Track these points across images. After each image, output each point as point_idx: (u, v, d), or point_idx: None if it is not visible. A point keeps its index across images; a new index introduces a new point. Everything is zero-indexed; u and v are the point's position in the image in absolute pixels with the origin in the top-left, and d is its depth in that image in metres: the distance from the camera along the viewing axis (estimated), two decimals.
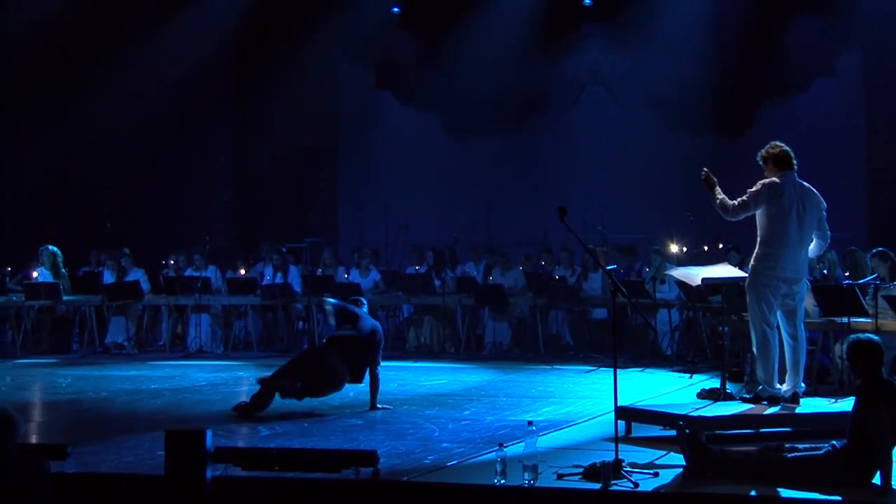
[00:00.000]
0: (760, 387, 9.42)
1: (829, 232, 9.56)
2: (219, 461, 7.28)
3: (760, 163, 9.55)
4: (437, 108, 21.33)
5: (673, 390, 12.25)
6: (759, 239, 9.39)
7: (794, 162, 9.45)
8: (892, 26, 18.09)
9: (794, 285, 9.37)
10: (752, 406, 9.32)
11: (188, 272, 17.43)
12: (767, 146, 9.56)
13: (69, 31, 18.97)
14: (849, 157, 19.14)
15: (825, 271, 12.37)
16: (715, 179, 9.56)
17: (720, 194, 9.50)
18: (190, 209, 20.61)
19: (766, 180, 9.38)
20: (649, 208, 18.90)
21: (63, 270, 17.04)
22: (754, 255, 9.43)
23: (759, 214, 9.39)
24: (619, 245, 16.93)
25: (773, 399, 9.30)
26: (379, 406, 10.88)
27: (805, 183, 9.48)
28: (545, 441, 8.61)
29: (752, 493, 7.01)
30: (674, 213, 16.98)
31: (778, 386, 9.39)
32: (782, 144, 9.54)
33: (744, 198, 9.38)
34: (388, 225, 19.03)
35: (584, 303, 16.17)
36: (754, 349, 9.52)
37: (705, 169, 9.59)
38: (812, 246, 9.54)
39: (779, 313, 9.39)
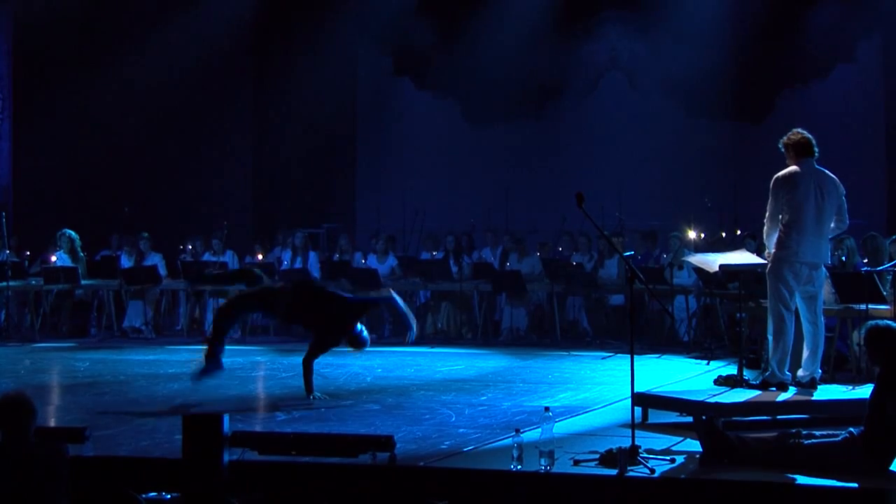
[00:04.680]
0: (768, 372, 9.41)
1: (847, 218, 9.57)
2: (236, 445, 7.30)
3: (782, 150, 9.57)
4: (456, 95, 21.27)
5: (690, 377, 12.23)
6: (780, 226, 9.40)
7: (816, 149, 9.47)
8: None
9: (815, 270, 9.42)
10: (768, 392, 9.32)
11: (206, 257, 17.45)
12: (789, 133, 9.61)
13: (89, 15, 19.01)
14: (868, 143, 19.07)
15: (843, 258, 12.31)
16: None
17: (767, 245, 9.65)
18: (208, 194, 20.62)
19: (777, 177, 9.43)
20: (667, 195, 18.84)
21: (81, 255, 17.08)
22: (776, 240, 9.44)
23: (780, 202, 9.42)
24: (641, 230, 16.91)
25: (782, 385, 9.30)
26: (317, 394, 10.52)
27: (825, 170, 9.50)
28: (562, 427, 8.58)
29: (769, 479, 7.00)
30: (692, 200, 16.97)
31: (787, 372, 9.39)
32: (803, 132, 9.56)
33: (767, 213, 9.49)
34: (406, 211, 19.01)
35: (602, 289, 16.15)
36: (769, 334, 9.51)
37: None
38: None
39: (799, 300, 9.41)
